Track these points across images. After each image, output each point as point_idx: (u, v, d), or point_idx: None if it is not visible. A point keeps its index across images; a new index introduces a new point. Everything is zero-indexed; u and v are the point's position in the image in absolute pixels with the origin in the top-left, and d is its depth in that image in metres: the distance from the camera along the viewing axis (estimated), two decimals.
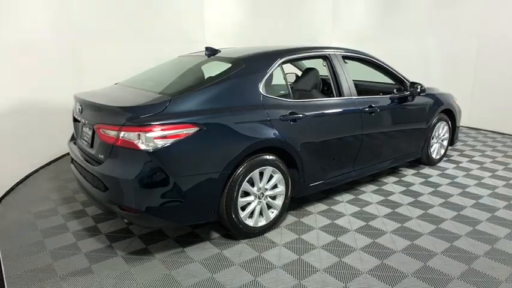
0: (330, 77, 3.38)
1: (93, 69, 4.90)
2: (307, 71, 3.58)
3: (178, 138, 2.33)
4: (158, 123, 2.30)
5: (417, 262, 2.50)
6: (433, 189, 3.82)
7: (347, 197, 3.60)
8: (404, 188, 3.83)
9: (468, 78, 6.42)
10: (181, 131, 2.35)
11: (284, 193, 2.93)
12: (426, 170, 4.39)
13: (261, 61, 2.92)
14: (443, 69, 6.71)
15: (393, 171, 4.33)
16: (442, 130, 4.52)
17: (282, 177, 2.88)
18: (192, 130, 2.38)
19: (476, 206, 3.39)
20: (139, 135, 2.29)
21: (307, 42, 6.90)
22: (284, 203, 2.96)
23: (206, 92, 2.57)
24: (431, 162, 4.51)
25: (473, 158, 4.86)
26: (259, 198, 2.80)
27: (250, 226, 2.77)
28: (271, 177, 2.84)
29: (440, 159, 4.64)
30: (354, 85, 3.44)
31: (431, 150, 4.45)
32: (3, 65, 3.59)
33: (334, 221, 3.11)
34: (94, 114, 2.59)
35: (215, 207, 2.57)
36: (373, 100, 3.58)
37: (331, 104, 3.23)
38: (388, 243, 2.75)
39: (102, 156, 2.49)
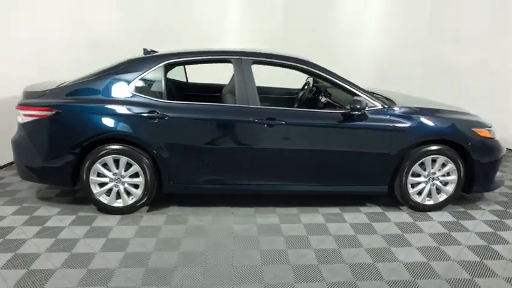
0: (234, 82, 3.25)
1: None
2: (233, 76, 3.51)
3: (39, 118, 3.07)
4: (27, 104, 3.11)
5: None
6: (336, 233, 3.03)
7: (242, 211, 3.40)
8: (317, 228, 3.21)
9: None
10: (41, 112, 3.06)
11: (143, 184, 3.20)
12: (393, 215, 3.39)
13: (141, 63, 3.22)
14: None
15: (353, 202, 3.57)
16: (439, 168, 3.33)
17: (140, 169, 3.16)
18: (50, 113, 3.05)
19: None
20: (19, 112, 3.17)
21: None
22: (143, 193, 3.22)
23: (78, 85, 3.17)
24: (411, 206, 3.43)
25: (505, 220, 3.31)
26: (116, 182, 3.20)
27: (105, 203, 3.22)
28: (131, 166, 3.17)
29: (436, 207, 3.44)
30: (256, 93, 3.18)
31: (413, 189, 3.37)
32: (74, 61, 5.08)
33: (187, 224, 3.12)
34: None
35: (68, 178, 3.17)
36: (280, 112, 3.18)
37: (207, 109, 3.16)
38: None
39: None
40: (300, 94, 4.34)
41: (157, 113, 3.08)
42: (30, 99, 3.17)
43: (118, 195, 3.24)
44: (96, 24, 5.26)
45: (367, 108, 3.20)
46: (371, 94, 3.34)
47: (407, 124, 3.23)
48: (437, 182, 3.38)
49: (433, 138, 3.27)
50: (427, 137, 3.25)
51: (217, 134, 3.17)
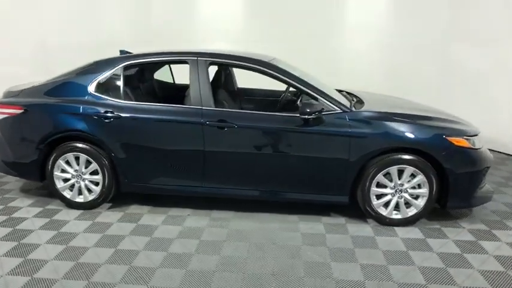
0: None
1: None
2: None
3: (10, 115, 3.31)
4: (1, 103, 3.36)
5: None
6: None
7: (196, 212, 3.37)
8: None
9: None
10: (12, 110, 3.30)
11: (102, 181, 3.31)
12: (355, 227, 3.15)
13: (103, 64, 3.33)
14: None
15: (317, 211, 3.37)
16: (408, 179, 3.04)
17: (98, 166, 3.27)
18: (19, 111, 3.28)
19: None
20: None
21: None
22: (102, 190, 3.32)
23: (47, 85, 3.37)
24: (376, 219, 3.17)
25: (482, 241, 2.91)
26: (78, 179, 3.34)
27: (67, 198, 3.38)
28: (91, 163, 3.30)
29: (405, 222, 3.14)
30: (210, 95, 3.14)
31: (378, 201, 3.11)
32: (78, 62, 5.44)
33: (138, 223, 3.17)
34: None
35: (35, 172, 3.37)
36: (232, 114, 3.12)
37: (159, 110, 3.19)
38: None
39: None
40: (281, 96, 4.21)
41: (112, 112, 3.18)
42: (6, 98, 3.44)
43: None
44: (101, 25, 5.55)
45: (324, 112, 3.02)
46: (332, 98, 3.13)
47: (368, 130, 2.99)
48: (406, 195, 3.08)
49: (398, 146, 2.99)
50: (390, 144, 2.98)
51: (168, 135, 3.18)
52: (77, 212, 3.36)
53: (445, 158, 2.95)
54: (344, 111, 3.06)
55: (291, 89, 4.00)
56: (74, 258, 2.65)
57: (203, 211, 3.41)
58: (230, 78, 4.35)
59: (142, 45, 5.54)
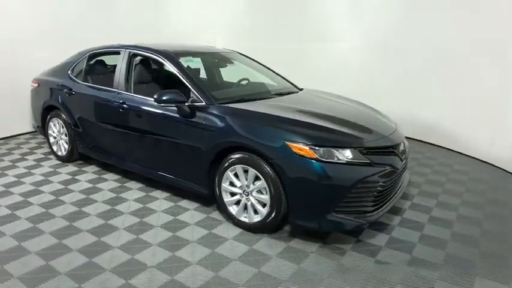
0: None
1: None
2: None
3: (35, 88, 4.75)
4: (34, 79, 4.83)
5: None
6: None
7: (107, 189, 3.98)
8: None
9: None
10: (35, 85, 4.73)
11: (68, 142, 4.38)
12: (200, 218, 3.13)
13: (80, 53, 4.36)
14: None
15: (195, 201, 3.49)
16: (252, 181, 2.87)
17: (66, 131, 4.35)
18: (37, 85, 4.69)
19: None
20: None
21: None
22: (68, 149, 4.39)
23: (55, 68, 4.64)
24: (227, 215, 3.09)
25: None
26: (59, 138, 4.51)
27: (55, 151, 4.59)
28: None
29: (252, 227, 2.95)
30: (125, 80, 3.72)
31: (228, 198, 3.05)
32: None
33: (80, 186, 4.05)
34: None
35: (42, 131, 4.72)
36: (126, 97, 3.65)
37: (92, 90, 4.02)
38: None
39: None
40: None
41: (71, 89, 4.18)
42: (38, 76, 4.92)
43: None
44: (168, 24, 6.78)
45: (193, 104, 3.17)
46: (203, 91, 3.23)
47: (216, 124, 2.99)
48: (252, 199, 2.90)
49: (234, 144, 2.90)
50: (226, 141, 2.92)
51: (96, 111, 3.97)
52: (56, 162, 4.53)
53: (282, 165, 2.65)
54: (208, 104, 3.12)
55: (244, 81, 4.20)
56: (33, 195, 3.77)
57: (121, 177, 4.01)
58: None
59: (201, 39, 6.57)
